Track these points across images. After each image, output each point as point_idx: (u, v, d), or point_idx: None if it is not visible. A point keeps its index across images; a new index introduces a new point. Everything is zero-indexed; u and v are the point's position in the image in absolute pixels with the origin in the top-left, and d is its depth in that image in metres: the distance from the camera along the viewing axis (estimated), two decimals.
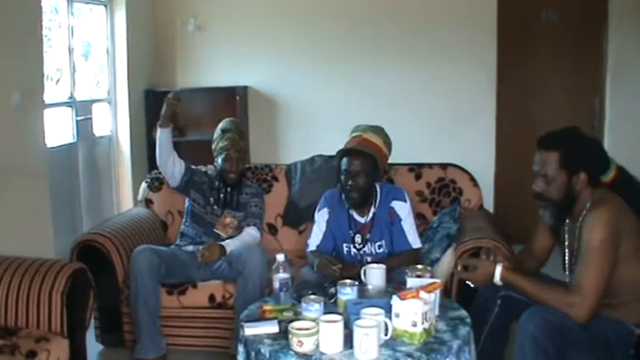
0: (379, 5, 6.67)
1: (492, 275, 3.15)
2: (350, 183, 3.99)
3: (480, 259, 3.27)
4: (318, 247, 4.20)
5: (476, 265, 3.23)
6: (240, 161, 4.60)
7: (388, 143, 4.11)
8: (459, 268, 3.28)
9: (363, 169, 3.97)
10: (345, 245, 4.17)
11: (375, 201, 4.16)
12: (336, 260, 3.93)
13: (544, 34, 6.64)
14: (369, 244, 4.13)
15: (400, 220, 4.13)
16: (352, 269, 3.82)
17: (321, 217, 4.24)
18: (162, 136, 4.52)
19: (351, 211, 4.18)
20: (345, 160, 4.02)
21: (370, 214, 4.15)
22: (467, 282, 3.30)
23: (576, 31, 6.58)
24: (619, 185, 3.15)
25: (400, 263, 3.89)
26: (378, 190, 4.18)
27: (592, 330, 2.96)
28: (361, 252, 4.13)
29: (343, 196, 4.16)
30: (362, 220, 4.16)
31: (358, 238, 4.13)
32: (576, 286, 2.98)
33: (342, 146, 4.09)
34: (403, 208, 4.14)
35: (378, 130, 4.11)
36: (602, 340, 2.98)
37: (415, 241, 4.15)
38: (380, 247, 4.13)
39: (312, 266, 4.03)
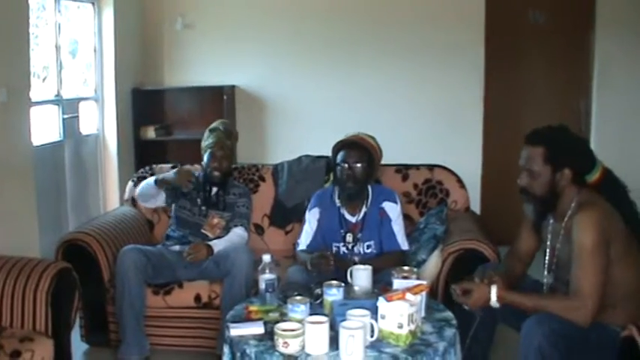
0: (367, 6, 6.68)
1: (488, 298, 3.14)
2: (348, 172, 4.04)
3: (475, 283, 3.26)
4: (308, 246, 4.22)
5: (471, 289, 3.20)
6: (224, 159, 4.60)
7: (380, 149, 4.19)
8: (458, 291, 3.25)
9: (360, 160, 4.04)
10: (334, 245, 4.17)
11: (367, 200, 4.18)
12: (330, 255, 3.93)
13: (531, 36, 6.66)
14: (359, 243, 4.14)
15: (390, 220, 4.15)
16: (345, 265, 3.81)
17: (313, 216, 4.26)
18: (152, 190, 4.60)
19: (342, 211, 4.20)
20: (342, 152, 4.09)
21: (361, 214, 4.17)
22: (463, 306, 3.25)
23: (563, 33, 6.61)
24: (604, 187, 3.16)
25: (387, 264, 3.88)
26: (370, 190, 4.20)
27: (589, 335, 2.96)
28: (351, 251, 4.14)
29: (337, 192, 4.21)
30: (353, 219, 4.18)
31: (349, 237, 4.14)
32: (575, 290, 2.98)
33: (332, 147, 4.16)
34: (394, 210, 4.18)
35: (371, 136, 4.19)
36: (596, 345, 2.99)
37: (404, 243, 4.17)
38: (369, 247, 4.14)
39: (304, 264, 4.02)
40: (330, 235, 4.20)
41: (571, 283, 3.02)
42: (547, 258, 3.30)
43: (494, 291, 3.12)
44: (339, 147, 4.12)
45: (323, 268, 3.85)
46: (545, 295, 3.24)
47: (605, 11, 6.38)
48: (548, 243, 3.28)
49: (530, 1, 6.61)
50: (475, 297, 3.16)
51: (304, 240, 4.26)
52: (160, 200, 4.69)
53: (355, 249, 4.14)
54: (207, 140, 4.64)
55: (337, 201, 4.22)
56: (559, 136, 3.18)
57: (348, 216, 4.20)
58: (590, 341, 2.97)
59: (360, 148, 4.07)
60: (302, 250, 4.22)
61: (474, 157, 6.60)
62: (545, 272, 3.31)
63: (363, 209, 4.18)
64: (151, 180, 4.58)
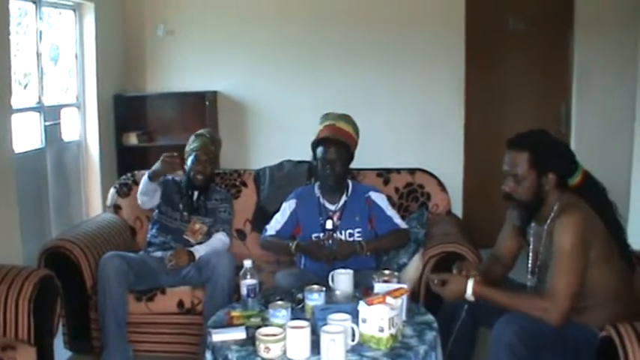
0: (348, 12, 6.70)
1: (464, 291, 3.16)
2: (327, 172, 4.12)
3: (452, 275, 3.29)
4: (277, 232, 4.30)
5: (447, 280, 3.23)
6: (208, 164, 4.63)
7: (357, 130, 4.28)
8: (435, 281, 3.27)
9: (338, 157, 4.12)
10: (314, 235, 4.19)
11: (347, 190, 4.25)
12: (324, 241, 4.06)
13: (511, 41, 6.71)
14: (338, 231, 4.16)
15: (382, 209, 4.23)
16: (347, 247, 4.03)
17: (288, 206, 4.34)
18: (150, 187, 4.56)
19: (322, 200, 4.26)
20: (320, 148, 4.15)
21: (341, 202, 4.23)
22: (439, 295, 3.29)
23: (543, 39, 6.67)
24: (585, 190, 3.17)
25: (395, 240, 4.15)
26: (349, 182, 4.29)
27: (563, 335, 2.99)
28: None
29: (317, 187, 4.29)
30: (333, 207, 4.24)
31: (329, 224, 4.13)
32: (549, 290, 3.00)
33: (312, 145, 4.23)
34: (382, 199, 4.29)
35: (347, 119, 4.29)
36: (572, 345, 3.01)
37: (402, 223, 4.25)
38: (350, 235, 4.16)
39: (273, 246, 4.26)
40: (310, 225, 4.23)
41: (546, 283, 3.06)
42: (530, 261, 3.32)
43: (470, 284, 3.14)
44: (317, 143, 4.19)
45: (318, 253, 4.01)
46: (520, 293, 3.25)
47: (583, 17, 6.44)
48: (531, 246, 3.31)
49: (510, 7, 6.66)
50: (451, 288, 3.19)
51: (273, 226, 4.33)
52: (157, 198, 4.67)
53: (336, 237, 4.16)
54: (192, 144, 4.67)
55: (317, 191, 4.29)
56: (543, 140, 3.20)
57: (327, 205, 4.25)
58: (567, 341, 2.99)
59: (337, 144, 4.12)
60: (270, 235, 4.31)
61: (455, 161, 6.64)
62: (529, 275, 3.33)
63: (343, 198, 4.25)
64: (145, 176, 4.56)
